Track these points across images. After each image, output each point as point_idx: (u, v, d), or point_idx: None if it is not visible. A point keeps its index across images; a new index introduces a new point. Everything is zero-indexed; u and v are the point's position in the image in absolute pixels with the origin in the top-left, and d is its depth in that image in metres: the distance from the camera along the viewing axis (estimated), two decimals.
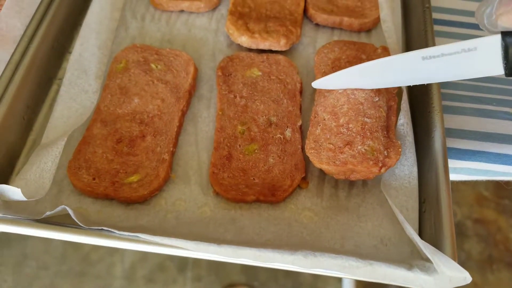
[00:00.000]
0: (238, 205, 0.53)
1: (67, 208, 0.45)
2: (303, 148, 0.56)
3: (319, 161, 0.51)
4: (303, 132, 0.59)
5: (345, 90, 0.55)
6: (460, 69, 0.47)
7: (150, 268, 1.32)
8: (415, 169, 0.54)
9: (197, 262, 1.34)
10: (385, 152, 0.51)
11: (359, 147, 0.51)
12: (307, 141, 0.53)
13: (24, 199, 0.45)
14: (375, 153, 0.50)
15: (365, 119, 0.53)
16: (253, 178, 0.54)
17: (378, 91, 0.55)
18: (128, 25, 0.70)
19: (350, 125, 0.52)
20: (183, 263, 1.34)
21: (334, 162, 0.50)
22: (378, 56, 0.62)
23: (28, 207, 0.50)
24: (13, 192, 0.45)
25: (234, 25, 0.67)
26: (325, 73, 0.60)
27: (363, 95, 0.54)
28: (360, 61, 0.60)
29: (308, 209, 0.53)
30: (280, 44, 0.66)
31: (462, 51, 0.46)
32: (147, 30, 0.70)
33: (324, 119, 0.54)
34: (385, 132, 0.53)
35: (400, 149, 0.52)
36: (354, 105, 0.54)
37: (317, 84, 0.57)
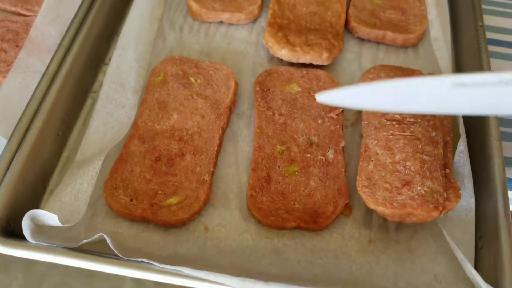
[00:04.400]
0: (281, 233, 0.50)
1: (105, 237, 0.42)
2: (346, 171, 0.53)
3: (375, 202, 0.47)
4: (346, 154, 0.56)
5: (399, 122, 0.51)
6: (496, 104, 0.39)
7: None
8: (472, 201, 0.51)
9: None
10: (445, 194, 0.47)
11: (419, 188, 0.47)
12: (358, 178, 0.50)
13: (60, 225, 0.43)
14: (435, 195, 0.47)
15: (424, 156, 0.49)
16: (293, 203, 0.51)
17: (434, 126, 0.51)
18: (166, 36, 0.67)
19: (408, 163, 0.49)
20: None
21: (392, 204, 0.47)
22: None
23: (62, 232, 0.48)
24: (49, 217, 0.43)
25: (273, 37, 0.64)
26: None
27: (420, 129, 0.51)
28: None
29: (355, 240, 0.50)
30: (322, 58, 0.63)
31: (500, 84, 0.38)
32: (185, 41, 0.67)
33: (377, 154, 0.51)
34: (443, 171, 0.49)
35: (460, 191, 0.48)
36: (410, 140, 0.50)
37: (322, 97, 0.44)
